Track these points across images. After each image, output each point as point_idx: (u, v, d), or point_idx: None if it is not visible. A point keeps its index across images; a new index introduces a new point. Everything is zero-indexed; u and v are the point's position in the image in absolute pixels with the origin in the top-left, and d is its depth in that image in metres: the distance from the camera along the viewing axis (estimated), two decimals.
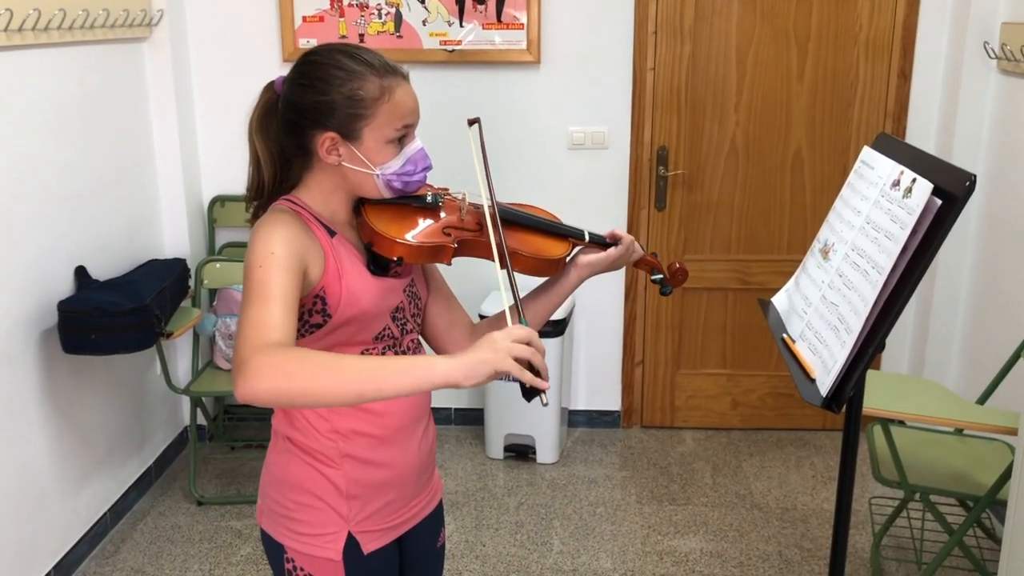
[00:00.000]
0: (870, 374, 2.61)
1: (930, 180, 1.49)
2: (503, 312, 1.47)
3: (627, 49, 3.66)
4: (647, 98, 3.71)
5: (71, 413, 2.98)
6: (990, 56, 3.36)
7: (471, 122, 1.63)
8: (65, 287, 2.93)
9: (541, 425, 3.66)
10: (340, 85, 1.45)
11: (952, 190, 1.46)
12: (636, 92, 3.70)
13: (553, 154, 3.76)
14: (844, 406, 1.60)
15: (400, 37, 3.64)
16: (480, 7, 3.59)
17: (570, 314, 3.73)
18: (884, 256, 1.54)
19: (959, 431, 2.94)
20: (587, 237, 1.70)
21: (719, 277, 3.89)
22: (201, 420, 3.74)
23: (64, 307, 2.79)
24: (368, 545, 1.58)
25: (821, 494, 3.50)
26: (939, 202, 1.47)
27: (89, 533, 3.09)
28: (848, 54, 3.64)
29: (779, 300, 1.97)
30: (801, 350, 1.73)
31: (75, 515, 3.02)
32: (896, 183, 1.59)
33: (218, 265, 3.49)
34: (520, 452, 3.76)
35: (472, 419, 4.03)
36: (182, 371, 3.74)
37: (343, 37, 3.65)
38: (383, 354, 1.56)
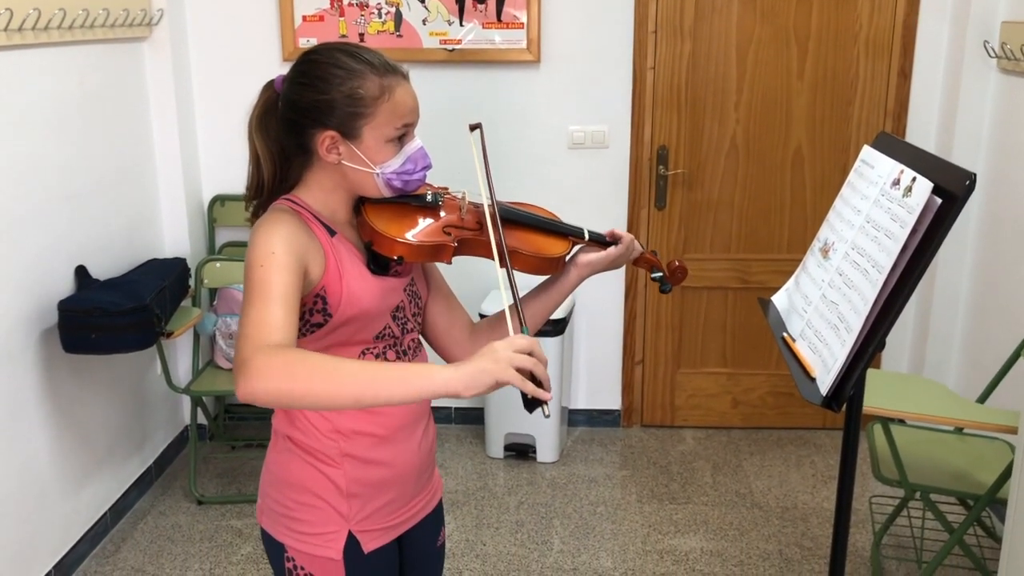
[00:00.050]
0: (870, 373, 2.61)
1: (930, 179, 1.49)
2: (503, 311, 1.46)
3: (627, 48, 3.66)
4: (647, 97, 3.71)
5: (71, 412, 2.98)
6: (990, 55, 3.36)
7: (473, 127, 1.63)
8: (65, 286, 2.93)
9: (541, 424, 3.66)
10: (340, 84, 1.45)
11: (952, 189, 1.46)
12: (636, 91, 3.70)
13: (553, 153, 3.76)
14: (844, 405, 1.60)
15: (400, 36, 3.64)
16: (480, 6, 3.59)
17: (570, 313, 3.73)
18: (884, 255, 1.54)
19: (959, 430, 2.94)
20: (587, 235, 1.70)
21: (719, 276, 3.89)
22: (201, 419, 3.74)
23: (64, 306, 2.79)
24: (368, 544, 1.58)
25: (821, 493, 3.50)
26: (939, 201, 1.47)
27: (90, 532, 3.09)
28: (848, 53, 3.64)
29: (779, 299, 1.97)
30: (801, 349, 1.73)
31: (75, 514, 3.02)
32: (896, 182, 1.59)
33: (218, 264, 3.49)
34: (520, 451, 3.76)
35: (472, 418, 4.03)
36: (182, 370, 3.74)
37: (343, 36, 3.65)
38: (384, 353, 1.56)
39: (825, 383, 1.59)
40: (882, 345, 1.55)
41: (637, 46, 3.65)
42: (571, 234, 1.69)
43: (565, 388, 3.84)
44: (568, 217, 1.79)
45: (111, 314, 2.79)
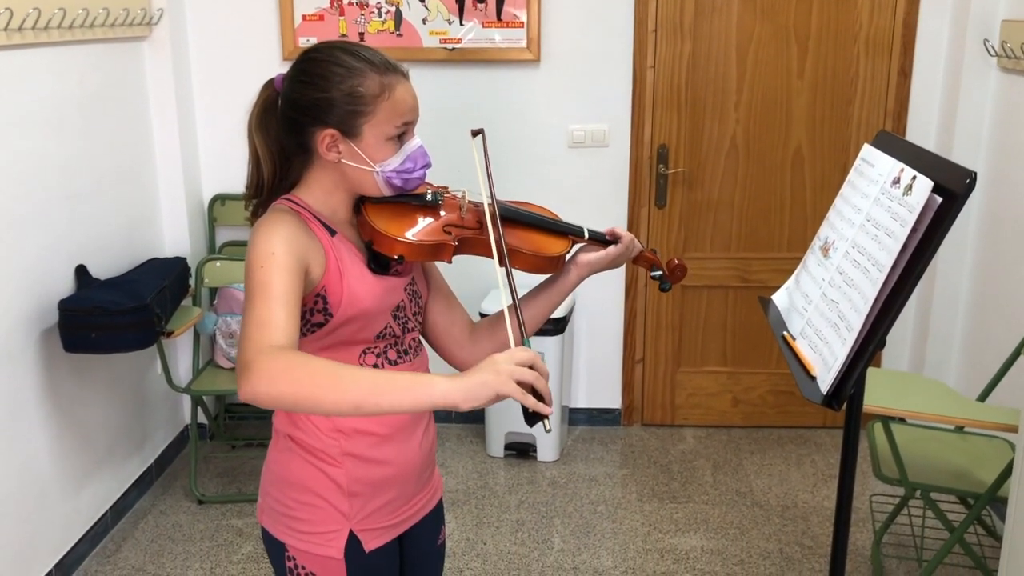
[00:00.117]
0: (870, 372, 2.61)
1: (930, 177, 1.49)
2: (503, 312, 1.46)
3: (627, 47, 3.66)
4: (647, 96, 3.71)
5: (72, 412, 2.98)
6: (990, 54, 3.36)
7: (475, 133, 1.63)
8: (66, 286, 2.94)
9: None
10: (340, 82, 1.45)
11: (952, 187, 1.46)
12: (636, 90, 3.70)
13: (553, 152, 3.76)
14: (844, 404, 1.60)
15: (400, 36, 3.64)
16: (480, 5, 3.59)
17: (570, 312, 3.73)
18: (884, 254, 1.54)
19: (959, 428, 2.94)
20: (587, 234, 1.70)
21: (719, 275, 3.89)
22: (202, 419, 3.74)
23: (65, 306, 2.79)
24: (369, 543, 1.58)
25: (822, 492, 3.50)
26: (939, 199, 1.47)
27: (90, 532, 3.09)
28: (848, 52, 3.64)
29: (779, 298, 1.97)
30: (802, 348, 1.73)
31: (76, 514, 3.02)
32: (896, 181, 1.59)
33: (218, 264, 3.49)
34: (521, 450, 3.76)
35: (473, 417, 4.03)
36: (183, 370, 3.74)
37: (343, 36, 3.65)
38: (385, 352, 1.57)
39: (825, 382, 1.59)
40: (882, 344, 1.55)
41: (637, 45, 3.65)
42: (571, 233, 1.69)
43: (565, 387, 3.84)
44: (568, 216, 1.79)
45: (111, 313, 2.79)
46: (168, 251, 3.62)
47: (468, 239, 1.57)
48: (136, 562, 3.05)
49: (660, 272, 1.82)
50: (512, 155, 3.73)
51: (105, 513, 3.19)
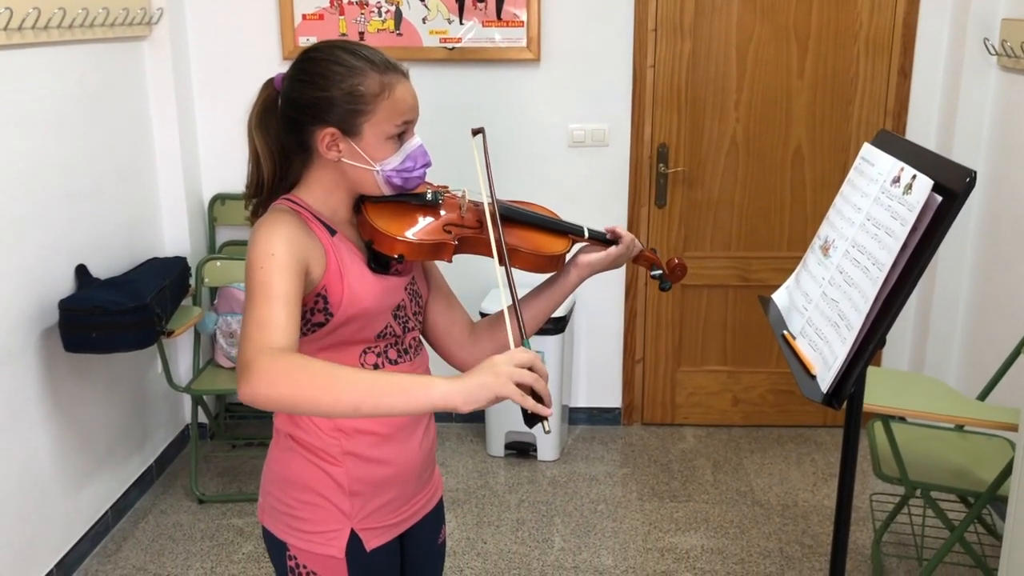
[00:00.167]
0: (871, 370, 2.61)
1: (930, 176, 1.49)
2: (503, 312, 1.46)
3: (627, 46, 3.66)
4: (647, 95, 3.71)
5: (72, 411, 2.98)
6: (990, 53, 3.36)
7: (475, 132, 1.63)
8: (66, 286, 2.94)
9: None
10: (340, 81, 1.45)
11: (952, 186, 1.46)
12: (636, 89, 3.70)
13: (553, 151, 3.76)
14: (845, 403, 1.60)
15: (400, 35, 3.64)
16: (480, 5, 3.59)
17: (570, 311, 3.73)
18: (884, 253, 1.54)
19: (960, 427, 2.94)
20: (587, 234, 1.70)
21: (719, 274, 3.89)
22: (202, 418, 3.74)
23: (65, 305, 2.79)
24: (371, 542, 1.58)
25: (822, 491, 3.50)
26: (939, 198, 1.47)
27: (91, 531, 3.09)
28: (848, 51, 3.64)
29: (779, 297, 1.97)
30: (802, 347, 1.73)
31: (76, 513, 3.02)
32: (896, 179, 1.59)
33: (219, 263, 3.49)
34: (521, 449, 3.76)
35: (473, 417, 4.03)
36: (183, 369, 3.74)
37: (343, 35, 3.65)
38: (386, 352, 1.57)
39: (826, 381, 1.59)
40: (882, 343, 1.55)
41: (637, 44, 3.65)
42: (571, 232, 1.69)
43: (565, 386, 3.84)
44: (568, 215, 1.79)
45: (112, 313, 2.79)
46: (168, 251, 3.62)
47: (468, 238, 1.57)
48: (137, 561, 3.05)
49: (660, 271, 1.82)
50: (512, 154, 3.73)
51: (106, 512, 3.19)
